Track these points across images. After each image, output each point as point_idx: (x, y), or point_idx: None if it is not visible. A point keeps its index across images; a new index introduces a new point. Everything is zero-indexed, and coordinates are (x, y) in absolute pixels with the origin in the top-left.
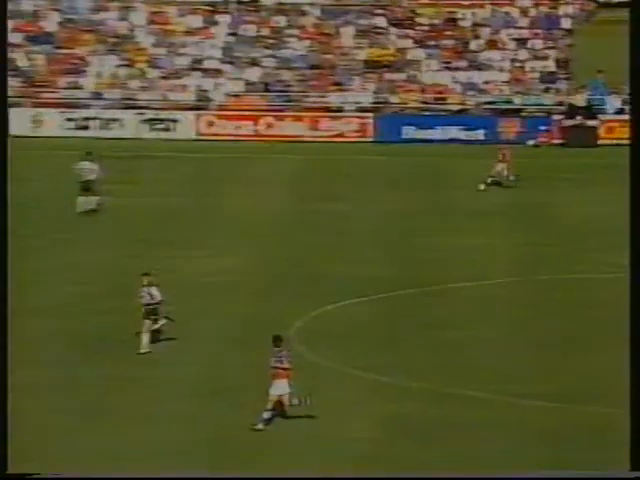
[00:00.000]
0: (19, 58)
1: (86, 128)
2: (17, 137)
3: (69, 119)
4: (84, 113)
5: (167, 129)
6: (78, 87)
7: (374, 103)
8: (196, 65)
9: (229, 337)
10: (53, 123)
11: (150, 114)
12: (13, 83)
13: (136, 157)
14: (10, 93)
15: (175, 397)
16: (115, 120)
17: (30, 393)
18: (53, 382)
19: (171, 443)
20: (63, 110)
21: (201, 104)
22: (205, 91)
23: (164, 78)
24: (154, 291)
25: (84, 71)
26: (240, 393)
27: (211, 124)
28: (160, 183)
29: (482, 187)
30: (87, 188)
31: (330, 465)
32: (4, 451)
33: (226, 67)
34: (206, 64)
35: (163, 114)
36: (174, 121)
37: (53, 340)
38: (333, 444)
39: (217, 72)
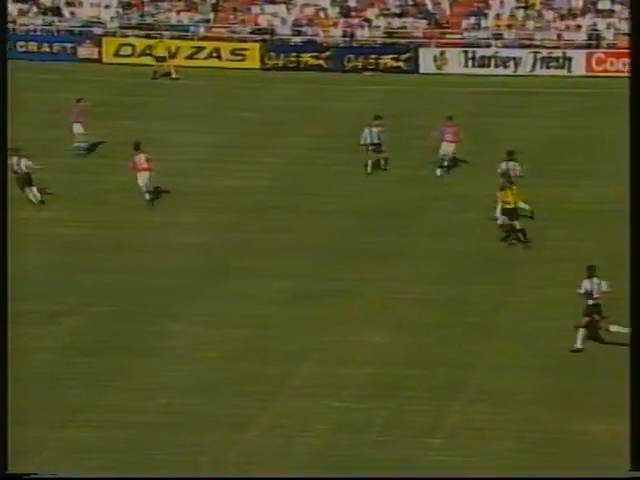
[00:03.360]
0: (427, 2)
1: (485, 66)
2: (423, 74)
3: (470, 58)
4: (484, 52)
5: (560, 67)
6: (479, 28)
7: None
8: (589, 6)
9: (610, 261)
10: (455, 62)
11: (545, 52)
12: (421, 25)
13: (530, 93)
14: (418, 34)
15: (555, 315)
16: (512, 58)
17: (422, 305)
18: (444, 297)
19: (552, 357)
20: (465, 49)
21: (593, 42)
22: (597, 30)
23: (560, 18)
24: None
25: (485, 13)
26: (617, 313)
27: (601, 61)
28: (552, 116)
29: None
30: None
31: None
32: (4, 451)
33: (617, 7)
34: (599, 5)
35: (557, 52)
36: (567, 59)
37: (447, 259)
38: None
39: (609, 12)
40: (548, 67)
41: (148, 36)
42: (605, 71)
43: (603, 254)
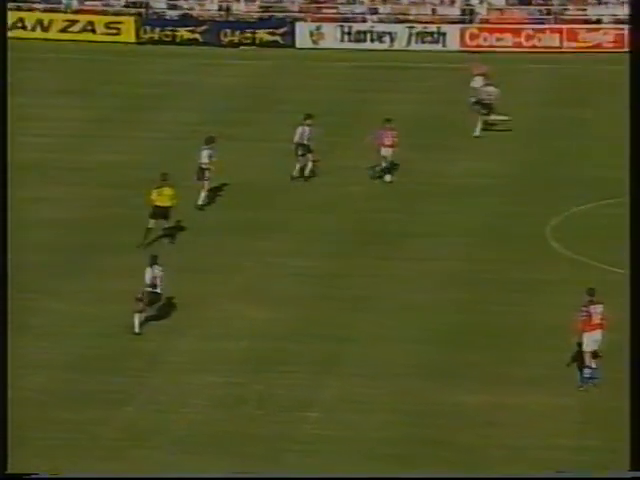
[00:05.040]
0: None
1: (361, 41)
2: (300, 49)
3: (346, 32)
4: (359, 27)
5: (435, 42)
6: (355, 2)
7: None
8: None
9: (484, 234)
10: (331, 36)
11: (420, 27)
12: None
13: (405, 68)
14: (294, 9)
15: (431, 288)
16: (387, 33)
17: (301, 279)
18: (323, 271)
19: (427, 329)
20: (341, 24)
21: (466, 18)
22: (471, 5)
23: None
24: None
25: None
26: (491, 284)
27: (475, 36)
28: (427, 91)
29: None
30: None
31: None
32: (4, 451)
33: None
34: None
35: (432, 27)
36: (441, 34)
37: (326, 233)
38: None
39: None
40: (423, 42)
41: (19, 8)
42: (478, 46)
43: (477, 227)
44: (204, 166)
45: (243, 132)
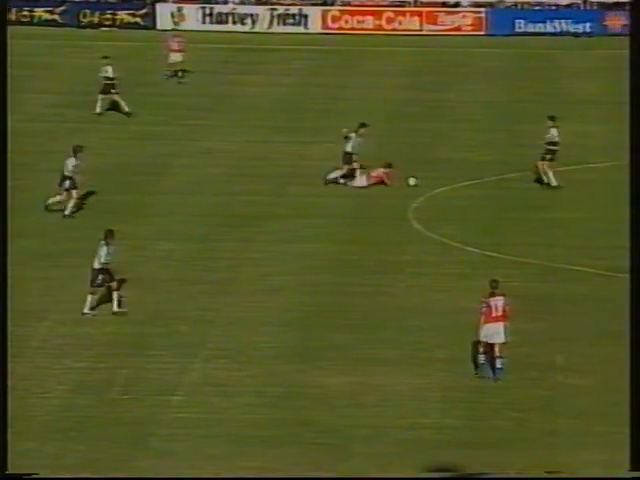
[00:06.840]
0: None
1: (222, 22)
2: (162, 30)
3: (207, 14)
4: (221, 8)
5: (297, 24)
6: None
7: None
8: None
9: (347, 216)
10: (193, 18)
11: (281, 9)
12: None
13: (268, 50)
14: None
15: (295, 270)
16: (249, 15)
17: (165, 263)
18: (186, 255)
19: (291, 311)
20: (202, 5)
21: (328, 0)
22: None
23: None
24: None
25: None
26: (355, 265)
27: (336, 19)
28: (289, 74)
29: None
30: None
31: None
32: (4, 451)
33: None
34: None
35: (293, 9)
36: (303, 16)
37: (188, 216)
38: (442, 314)
39: None
40: (285, 24)
41: None
42: (340, 28)
43: (339, 209)
44: (68, 175)
45: (104, 115)
